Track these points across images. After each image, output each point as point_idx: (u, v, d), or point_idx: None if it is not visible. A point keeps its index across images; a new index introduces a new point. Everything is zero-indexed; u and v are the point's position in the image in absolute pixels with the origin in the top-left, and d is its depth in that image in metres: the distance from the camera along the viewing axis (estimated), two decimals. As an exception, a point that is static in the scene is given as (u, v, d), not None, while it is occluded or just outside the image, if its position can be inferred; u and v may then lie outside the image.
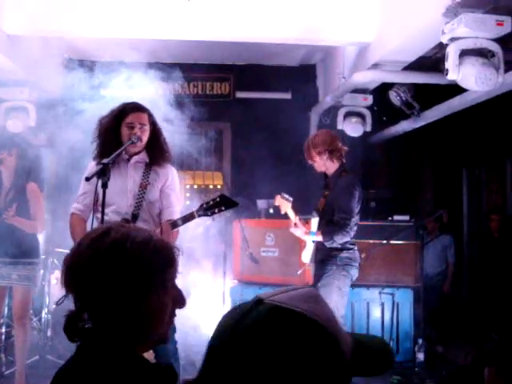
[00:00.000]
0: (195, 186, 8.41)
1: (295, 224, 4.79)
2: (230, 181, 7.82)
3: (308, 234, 4.76)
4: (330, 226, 4.67)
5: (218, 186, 8.28)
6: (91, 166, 3.84)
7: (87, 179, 3.28)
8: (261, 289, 5.82)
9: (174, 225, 3.76)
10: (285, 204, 4.80)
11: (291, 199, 4.80)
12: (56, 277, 5.93)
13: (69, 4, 5.58)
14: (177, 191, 3.99)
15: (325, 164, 4.82)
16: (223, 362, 1.03)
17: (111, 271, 1.39)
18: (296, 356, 1.01)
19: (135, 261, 1.41)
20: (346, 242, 4.71)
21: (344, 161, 4.88)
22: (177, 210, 3.92)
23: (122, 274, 1.39)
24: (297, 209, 4.84)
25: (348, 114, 7.07)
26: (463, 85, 4.39)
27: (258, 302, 1.09)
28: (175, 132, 5.85)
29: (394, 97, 6.95)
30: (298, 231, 4.80)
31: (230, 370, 1.02)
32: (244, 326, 1.05)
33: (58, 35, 6.21)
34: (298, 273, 5.51)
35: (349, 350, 1.08)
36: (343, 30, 5.79)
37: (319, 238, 4.68)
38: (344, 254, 4.69)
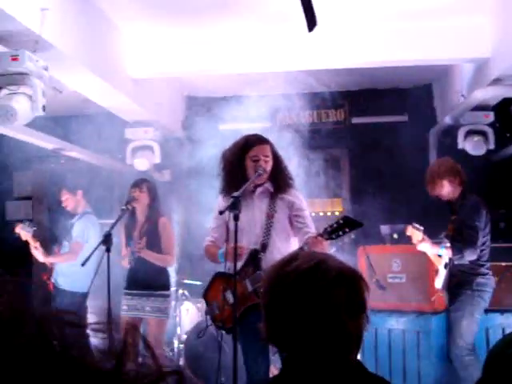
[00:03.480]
0: (313, 214, 8.40)
1: (422, 239, 4.70)
2: (349, 207, 7.77)
3: (437, 246, 4.68)
4: (458, 241, 4.58)
5: (336, 213, 8.23)
6: (220, 200, 3.94)
7: (221, 213, 3.36)
8: (389, 316, 5.70)
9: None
10: (416, 234, 4.74)
11: (422, 228, 4.75)
12: (186, 308, 6.11)
13: (186, 45, 5.83)
14: (307, 213, 3.97)
15: (454, 190, 4.76)
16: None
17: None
18: None
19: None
20: (482, 266, 4.59)
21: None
22: (312, 227, 3.87)
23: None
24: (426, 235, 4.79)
25: (469, 133, 6.84)
26: None
27: None
28: (292, 161, 5.92)
29: (517, 112, 6.68)
30: (426, 245, 4.71)
31: None
32: None
33: (176, 75, 6.50)
34: (432, 299, 5.40)
35: None
36: (459, 48, 5.66)
37: (448, 252, 4.58)
38: (480, 280, 4.59)
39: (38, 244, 5.56)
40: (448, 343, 4.94)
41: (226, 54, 5.79)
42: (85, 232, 5.54)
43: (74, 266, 5.22)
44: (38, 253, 5.59)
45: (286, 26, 5.54)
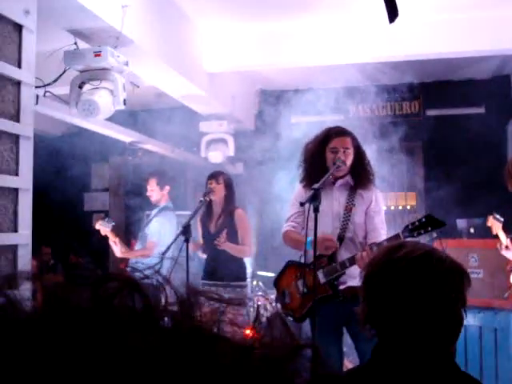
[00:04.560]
0: (384, 208, 8.28)
1: (506, 246, 4.58)
2: (423, 200, 7.65)
3: None
4: None
5: (408, 207, 8.11)
6: (299, 190, 3.96)
7: (302, 204, 3.39)
8: (466, 312, 5.58)
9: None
10: (496, 225, 4.63)
11: (502, 219, 4.62)
12: (258, 299, 6.17)
13: (259, 39, 5.88)
14: (381, 214, 3.96)
15: None
16: None
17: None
18: None
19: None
20: None
21: None
22: (382, 233, 3.86)
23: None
24: (507, 229, 4.65)
25: (550, 125, 6.63)
26: None
27: None
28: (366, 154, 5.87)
29: None
30: (510, 253, 4.60)
31: None
32: None
33: (250, 69, 6.56)
34: (505, 295, 5.25)
35: None
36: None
37: None
38: None
39: (117, 239, 5.70)
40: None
41: (299, 46, 5.81)
42: (161, 232, 5.61)
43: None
44: (116, 248, 5.74)
45: (360, 18, 5.50)
